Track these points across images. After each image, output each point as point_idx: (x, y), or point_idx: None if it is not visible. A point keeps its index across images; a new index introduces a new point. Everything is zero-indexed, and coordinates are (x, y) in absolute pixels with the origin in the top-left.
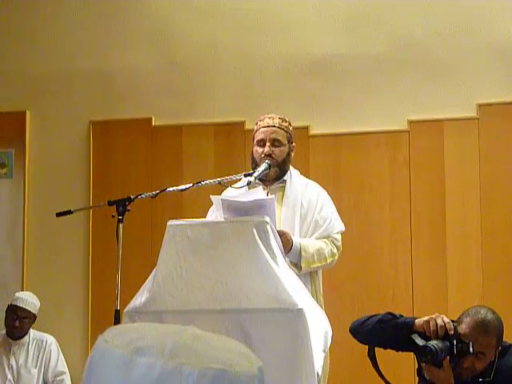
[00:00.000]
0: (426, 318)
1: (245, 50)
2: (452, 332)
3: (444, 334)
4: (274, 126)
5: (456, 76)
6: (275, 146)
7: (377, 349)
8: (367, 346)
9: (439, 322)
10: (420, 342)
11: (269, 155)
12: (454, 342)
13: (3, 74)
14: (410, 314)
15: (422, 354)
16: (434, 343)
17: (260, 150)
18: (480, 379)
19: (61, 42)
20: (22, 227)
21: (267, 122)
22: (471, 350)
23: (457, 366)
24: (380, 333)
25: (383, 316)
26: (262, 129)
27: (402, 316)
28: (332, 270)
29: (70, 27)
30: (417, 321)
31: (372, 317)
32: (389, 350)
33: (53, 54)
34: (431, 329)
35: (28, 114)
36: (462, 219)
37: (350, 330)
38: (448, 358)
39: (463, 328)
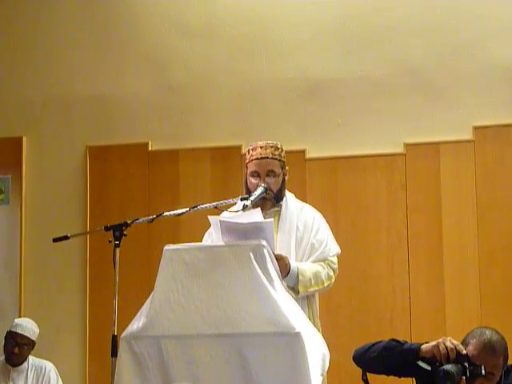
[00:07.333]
0: (433, 342)
1: (241, 75)
2: (465, 352)
3: (455, 357)
4: (268, 158)
5: (452, 99)
6: (270, 177)
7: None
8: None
9: (448, 344)
10: (427, 367)
11: None
12: (466, 365)
13: None
14: (408, 336)
15: (441, 378)
16: (449, 367)
17: (254, 181)
18: None
19: (57, 68)
20: (19, 253)
21: (259, 152)
22: (483, 372)
23: None
24: (386, 360)
25: (388, 343)
26: (255, 160)
27: (406, 342)
28: (329, 294)
29: (67, 53)
30: (423, 346)
31: (375, 344)
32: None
33: (49, 80)
34: (441, 352)
35: (24, 139)
36: (459, 241)
37: (353, 358)
38: (464, 378)
39: (470, 350)
